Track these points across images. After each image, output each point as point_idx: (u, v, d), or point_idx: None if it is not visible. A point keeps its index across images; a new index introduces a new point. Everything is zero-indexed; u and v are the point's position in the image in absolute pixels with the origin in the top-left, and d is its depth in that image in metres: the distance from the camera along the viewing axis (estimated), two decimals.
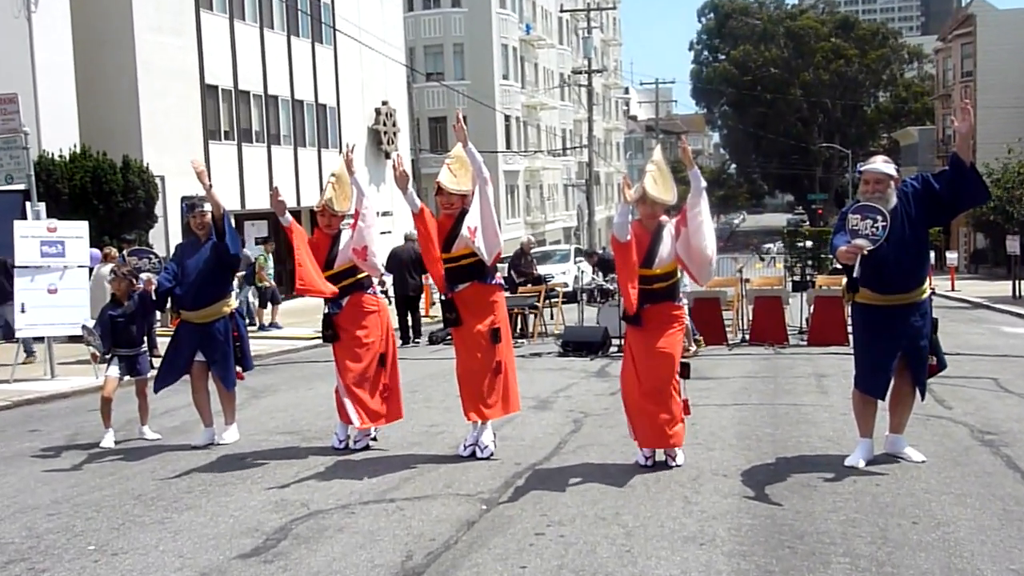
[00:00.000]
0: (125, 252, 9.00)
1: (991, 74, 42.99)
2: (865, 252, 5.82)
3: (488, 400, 6.80)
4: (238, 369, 7.92)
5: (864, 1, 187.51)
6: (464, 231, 6.62)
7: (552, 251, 30.90)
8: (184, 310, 7.74)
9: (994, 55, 43.13)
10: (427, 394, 10.15)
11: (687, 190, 6.26)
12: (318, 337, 15.99)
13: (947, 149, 40.79)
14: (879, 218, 5.81)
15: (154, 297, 7.80)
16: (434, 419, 8.58)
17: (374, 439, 7.47)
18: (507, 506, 5.60)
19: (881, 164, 6.13)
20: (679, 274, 6.53)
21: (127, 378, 8.12)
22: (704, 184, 6.31)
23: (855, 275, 5.96)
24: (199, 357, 7.77)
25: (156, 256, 8.06)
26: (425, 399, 9.80)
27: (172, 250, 8.51)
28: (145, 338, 8.12)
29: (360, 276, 7.37)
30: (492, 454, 6.86)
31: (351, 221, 7.30)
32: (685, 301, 6.70)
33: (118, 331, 7.97)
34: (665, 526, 5.11)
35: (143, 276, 7.77)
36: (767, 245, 44.03)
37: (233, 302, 7.92)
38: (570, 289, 21.51)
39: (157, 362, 8.11)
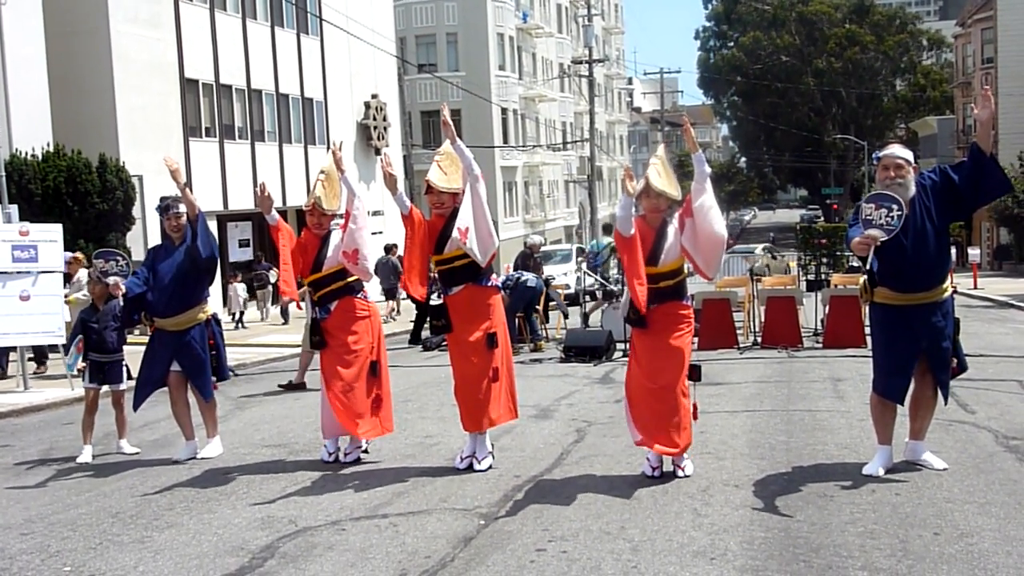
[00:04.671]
0: (81, 254, 8.98)
1: (1013, 60, 42.93)
2: (879, 243, 5.83)
3: (485, 409, 6.79)
4: (213, 379, 7.91)
5: None
6: (455, 233, 6.62)
7: (553, 251, 30.91)
8: (157, 317, 7.72)
9: (1016, 40, 43.07)
10: (421, 403, 10.15)
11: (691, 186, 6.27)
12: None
13: (968, 139, 40.84)
14: (894, 207, 5.82)
15: (122, 303, 7.76)
16: (429, 430, 8.58)
17: (365, 451, 7.47)
18: (506, 521, 5.59)
19: (898, 149, 6.20)
20: (685, 271, 6.54)
21: (106, 388, 8.09)
22: (709, 169, 6.34)
23: (868, 267, 5.97)
24: (175, 367, 7.76)
25: (124, 258, 7.99)
26: (419, 409, 9.80)
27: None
28: (122, 346, 8.10)
29: (350, 279, 7.37)
30: (490, 466, 6.86)
31: (341, 221, 7.29)
32: (692, 300, 6.69)
33: (91, 336, 7.96)
34: (673, 540, 5.10)
35: (109, 280, 7.71)
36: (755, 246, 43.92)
37: (209, 308, 7.90)
38: (572, 291, 21.54)
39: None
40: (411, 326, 18.21)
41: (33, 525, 5.96)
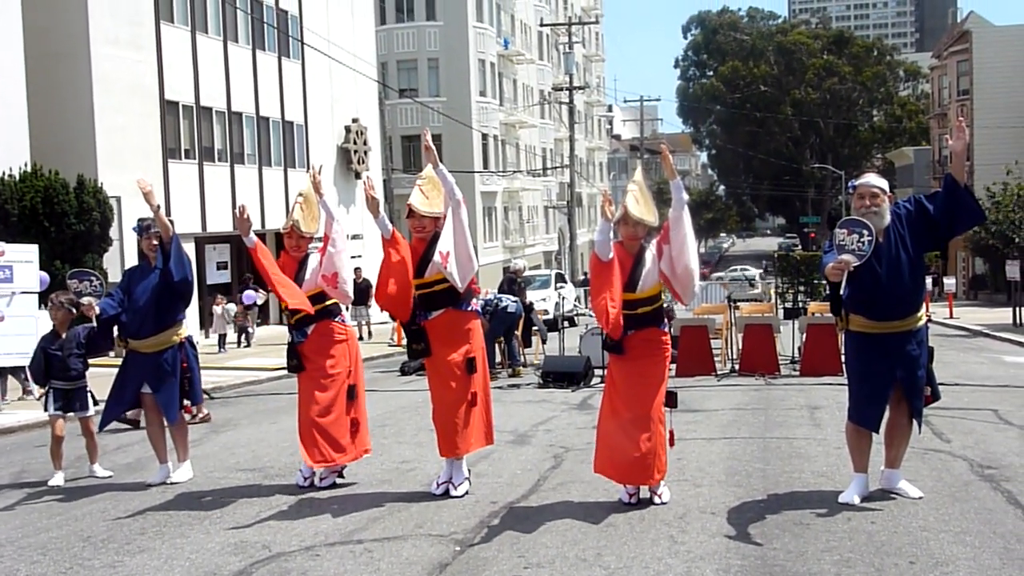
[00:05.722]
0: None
1: (988, 92, 43.60)
2: (851, 268, 5.89)
3: (462, 434, 6.77)
4: (186, 403, 7.83)
5: (857, 17, 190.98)
6: (436, 256, 6.62)
7: (532, 276, 30.96)
8: (131, 338, 7.66)
9: (991, 73, 43.75)
10: (398, 428, 10.10)
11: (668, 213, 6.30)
12: (282, 368, 16.03)
13: (943, 170, 41.30)
14: (865, 232, 5.89)
15: (95, 324, 7.66)
16: (405, 455, 8.54)
17: (341, 476, 7.41)
18: (482, 547, 5.57)
19: (874, 178, 6.30)
20: (663, 297, 6.57)
21: (72, 414, 7.97)
22: (686, 196, 6.36)
23: (841, 292, 6.02)
24: (146, 389, 7.69)
25: (99, 278, 7.88)
26: (396, 434, 9.75)
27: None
28: (86, 372, 7.96)
29: (328, 303, 7.34)
30: (466, 492, 6.83)
31: (319, 245, 7.28)
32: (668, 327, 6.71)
33: (53, 363, 7.84)
34: (650, 567, 5.09)
35: (84, 300, 7.58)
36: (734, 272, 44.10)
37: (184, 330, 7.84)
38: (551, 317, 21.56)
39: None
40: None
41: (2, 549, 5.87)
